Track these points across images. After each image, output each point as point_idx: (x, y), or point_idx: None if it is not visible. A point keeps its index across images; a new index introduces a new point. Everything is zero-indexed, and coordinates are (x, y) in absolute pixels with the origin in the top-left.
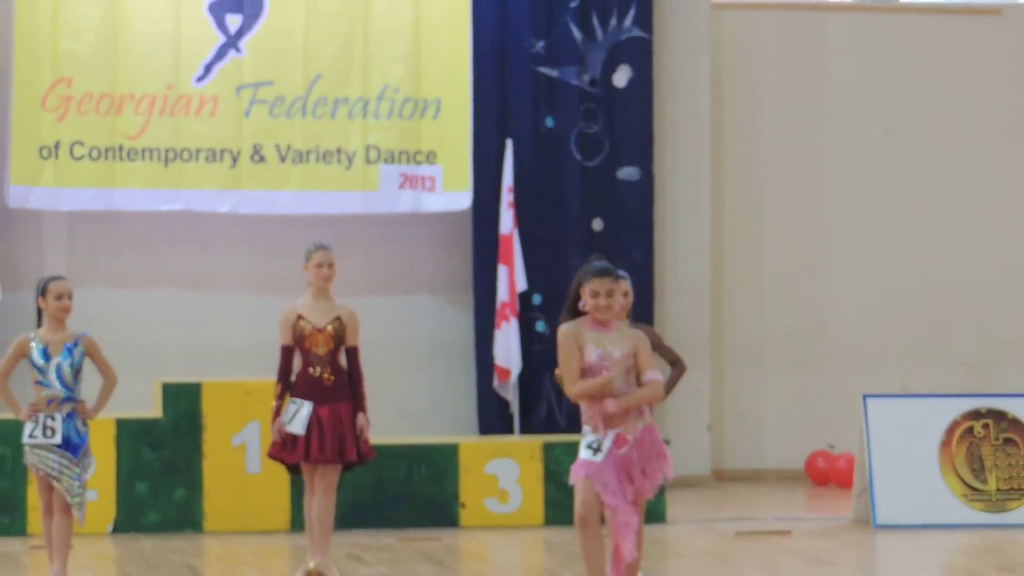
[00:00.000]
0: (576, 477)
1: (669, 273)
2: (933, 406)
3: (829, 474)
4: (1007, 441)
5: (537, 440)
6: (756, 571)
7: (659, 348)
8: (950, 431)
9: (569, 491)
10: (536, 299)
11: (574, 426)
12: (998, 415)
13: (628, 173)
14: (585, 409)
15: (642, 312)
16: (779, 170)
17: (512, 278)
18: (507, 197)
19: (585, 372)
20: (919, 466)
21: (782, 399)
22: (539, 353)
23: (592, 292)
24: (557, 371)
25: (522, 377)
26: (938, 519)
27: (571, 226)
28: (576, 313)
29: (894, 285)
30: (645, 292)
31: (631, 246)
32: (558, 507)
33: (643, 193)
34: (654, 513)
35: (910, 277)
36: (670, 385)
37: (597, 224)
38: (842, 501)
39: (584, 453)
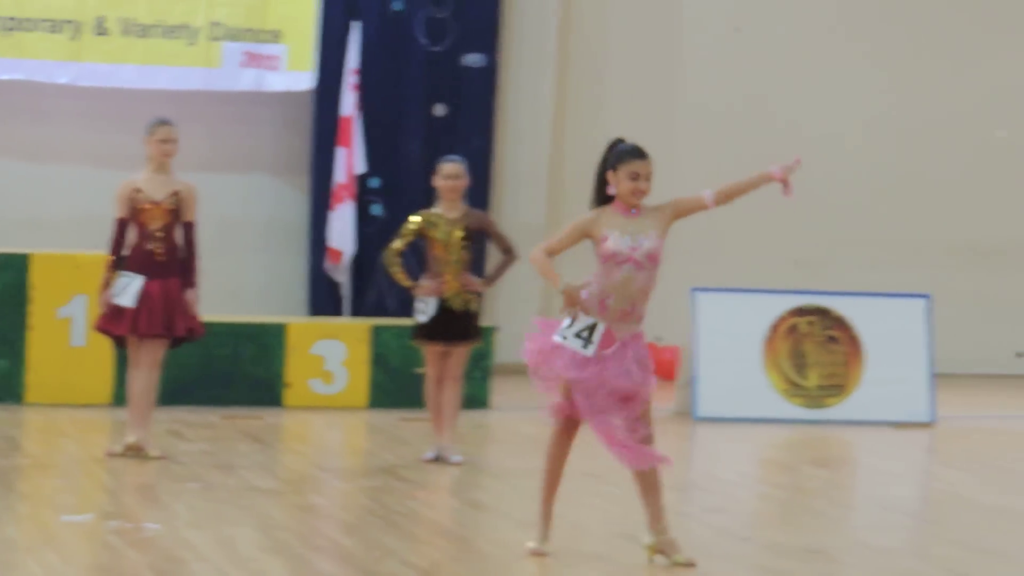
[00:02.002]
0: (553, 368)
1: (507, 161)
2: (760, 302)
3: (655, 366)
4: (830, 339)
5: (366, 323)
6: (576, 458)
7: (493, 235)
8: (775, 327)
9: (395, 375)
10: (374, 182)
11: (405, 310)
12: (823, 313)
13: (473, 59)
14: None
15: (478, 199)
16: (626, 63)
17: (351, 160)
18: (350, 79)
19: (606, 259)
20: (743, 360)
21: None
22: (373, 236)
23: (632, 174)
24: (384, 253)
25: (356, 260)
26: (758, 413)
27: (413, 111)
28: (605, 199)
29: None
30: (482, 179)
31: (471, 132)
32: (383, 390)
33: (487, 80)
34: (477, 399)
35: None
36: (499, 273)
37: (440, 109)
38: (665, 392)
39: (571, 341)
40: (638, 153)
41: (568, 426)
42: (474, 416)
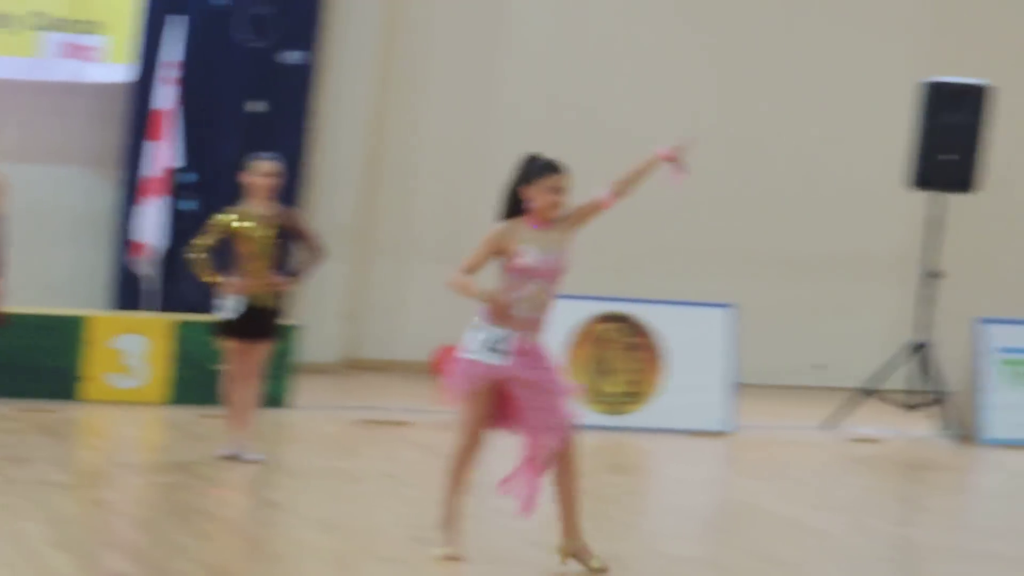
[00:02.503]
0: (468, 381)
1: (322, 160)
2: (567, 307)
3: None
4: (632, 346)
5: (170, 318)
6: (372, 458)
7: (302, 233)
8: (580, 333)
9: (198, 371)
10: (190, 177)
11: (210, 306)
12: (625, 320)
13: (293, 57)
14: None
15: (292, 198)
16: (447, 62)
17: (162, 155)
18: (165, 73)
19: (517, 273)
20: None
21: (424, 293)
22: (183, 232)
23: (552, 188)
24: (190, 249)
25: (166, 256)
26: None
27: (231, 107)
28: (514, 213)
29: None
30: (296, 178)
31: (288, 130)
32: (185, 386)
33: (305, 78)
34: (277, 398)
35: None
36: (306, 270)
37: (259, 106)
38: None
39: (483, 355)
40: (556, 168)
41: (478, 436)
42: (273, 414)
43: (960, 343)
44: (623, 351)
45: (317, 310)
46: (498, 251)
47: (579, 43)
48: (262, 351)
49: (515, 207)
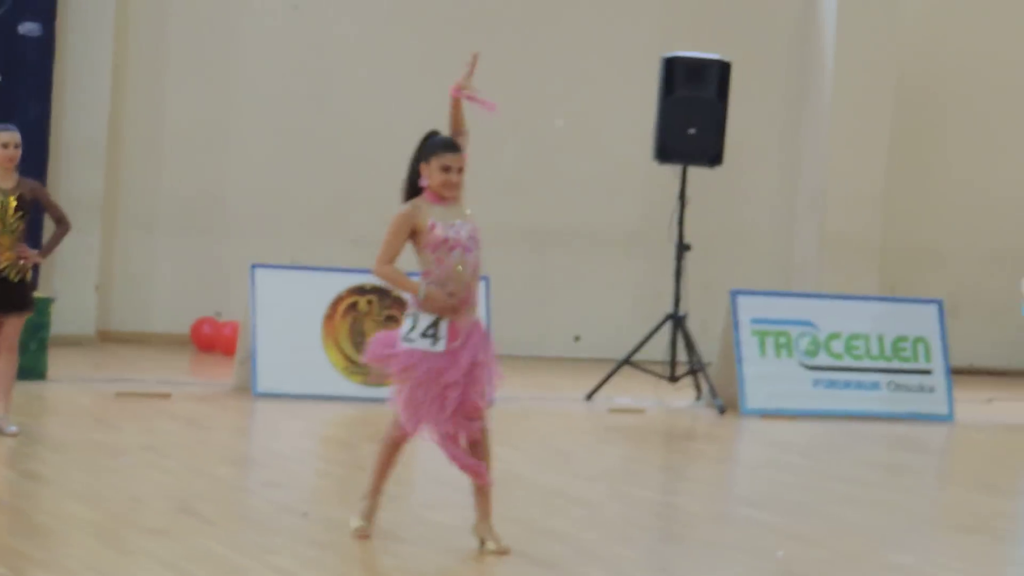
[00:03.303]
0: (407, 369)
1: (65, 132)
2: (320, 279)
3: (215, 341)
4: (389, 318)
5: None
6: (134, 432)
7: (47, 205)
8: (335, 305)
9: None
10: None
11: None
12: (382, 292)
13: (29, 28)
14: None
15: (35, 169)
16: (186, 34)
17: None
18: None
19: (436, 247)
20: (303, 337)
21: (173, 264)
22: None
23: (443, 167)
24: None
25: None
26: (318, 390)
27: None
28: (416, 192)
29: (295, 160)
30: (39, 150)
31: (27, 102)
32: None
33: (44, 48)
34: (34, 371)
35: (311, 153)
36: (53, 243)
37: None
38: (225, 368)
39: (418, 342)
40: (450, 146)
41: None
42: (30, 387)
43: (713, 314)
44: (380, 323)
45: (69, 282)
46: (411, 231)
47: (313, 17)
48: (15, 324)
49: (416, 184)
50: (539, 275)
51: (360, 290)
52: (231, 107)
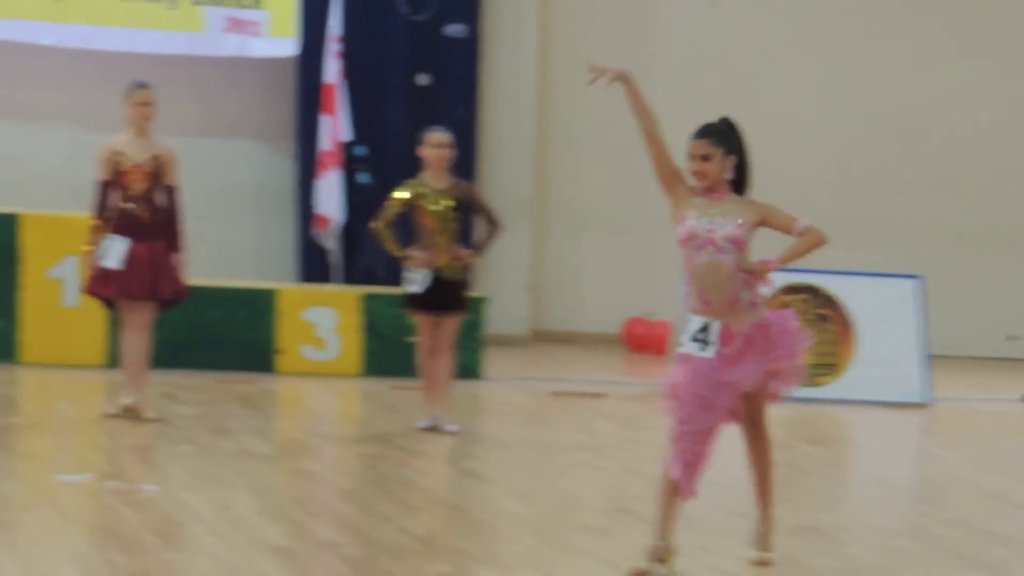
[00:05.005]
0: (677, 381)
1: (493, 132)
2: None
3: (646, 341)
4: (820, 317)
5: (356, 291)
6: (569, 431)
7: (478, 206)
8: (767, 304)
9: (386, 343)
10: (360, 150)
11: (395, 278)
12: (814, 291)
13: (455, 29)
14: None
15: (463, 170)
16: (608, 31)
17: (335, 128)
18: (333, 47)
19: (684, 241)
20: None
21: (602, 264)
22: (362, 204)
23: (687, 155)
24: (373, 223)
25: (344, 228)
26: None
27: (397, 80)
28: (743, 184)
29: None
30: (467, 150)
31: (455, 103)
32: (376, 358)
33: (469, 50)
34: (469, 370)
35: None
36: (486, 244)
37: (423, 79)
38: (657, 367)
39: (688, 345)
40: (694, 134)
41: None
42: (467, 386)
43: None
44: (812, 322)
45: (501, 282)
46: (679, 220)
47: (731, 11)
48: (452, 324)
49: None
50: (970, 274)
51: (791, 289)
52: (652, 105)
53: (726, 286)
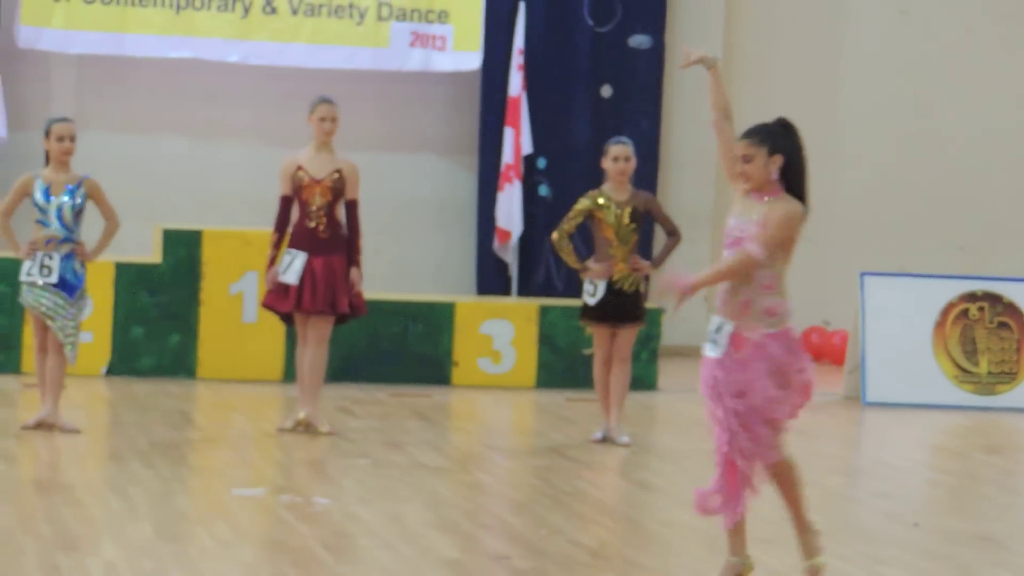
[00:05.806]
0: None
1: (675, 143)
2: (930, 286)
3: (823, 350)
4: (1001, 325)
5: (534, 303)
6: None
7: (658, 217)
8: (945, 312)
9: (562, 355)
10: (541, 163)
11: (571, 290)
12: (994, 298)
13: (639, 41)
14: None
15: (646, 181)
16: (791, 46)
17: (518, 141)
18: (517, 59)
19: (725, 239)
20: (912, 346)
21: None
22: (540, 217)
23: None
24: (554, 235)
25: (522, 240)
26: (927, 399)
27: (580, 92)
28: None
29: (900, 166)
30: (650, 162)
31: (639, 115)
32: (551, 370)
33: (653, 61)
34: (645, 381)
35: (917, 159)
36: (664, 255)
37: (606, 91)
38: (834, 377)
39: (707, 346)
40: (742, 135)
41: None
42: (641, 398)
43: None
44: (992, 330)
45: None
46: None
47: (923, 22)
48: (628, 335)
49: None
50: None
51: (971, 296)
52: (838, 113)
53: (742, 288)
